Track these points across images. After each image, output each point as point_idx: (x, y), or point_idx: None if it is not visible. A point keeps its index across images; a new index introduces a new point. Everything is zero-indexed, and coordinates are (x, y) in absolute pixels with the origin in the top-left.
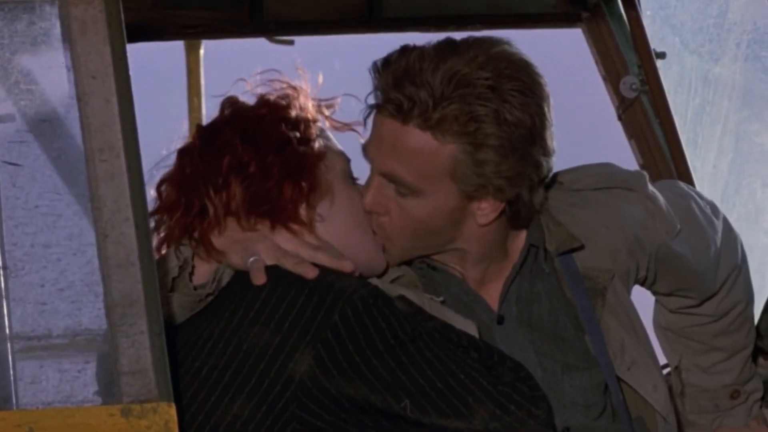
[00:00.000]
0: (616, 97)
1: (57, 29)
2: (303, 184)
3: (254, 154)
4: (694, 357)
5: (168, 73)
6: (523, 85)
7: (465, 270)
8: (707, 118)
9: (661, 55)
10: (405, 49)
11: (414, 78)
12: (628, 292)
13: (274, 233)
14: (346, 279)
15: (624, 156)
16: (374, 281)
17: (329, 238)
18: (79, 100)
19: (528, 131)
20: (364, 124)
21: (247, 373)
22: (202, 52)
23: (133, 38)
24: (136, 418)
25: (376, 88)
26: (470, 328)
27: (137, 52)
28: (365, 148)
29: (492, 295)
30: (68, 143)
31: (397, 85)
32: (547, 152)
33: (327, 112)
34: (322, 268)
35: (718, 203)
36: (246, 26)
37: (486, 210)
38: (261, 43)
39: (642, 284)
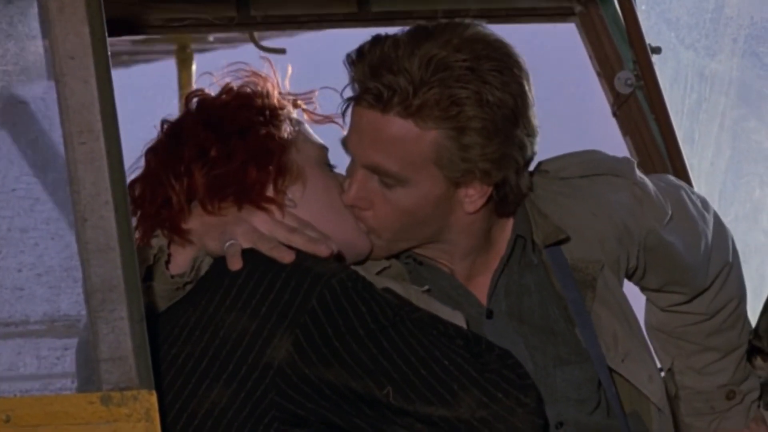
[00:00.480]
0: (611, 93)
1: (34, 9)
2: (269, 168)
3: (216, 140)
4: (688, 358)
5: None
6: (501, 64)
7: (452, 264)
8: (704, 115)
9: (657, 50)
10: (378, 39)
11: (391, 66)
12: (620, 282)
13: (251, 216)
14: (326, 263)
15: (619, 153)
16: (359, 272)
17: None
18: (56, 81)
19: (510, 111)
20: (343, 117)
21: (224, 360)
22: (194, 67)
23: (117, 32)
24: (116, 406)
25: (352, 80)
26: (458, 320)
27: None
28: (345, 142)
29: (480, 290)
30: (46, 125)
31: (374, 74)
32: (530, 132)
33: (304, 105)
34: (301, 253)
35: (715, 202)
36: (232, 20)
37: (473, 197)
38: (253, 55)
39: (631, 278)
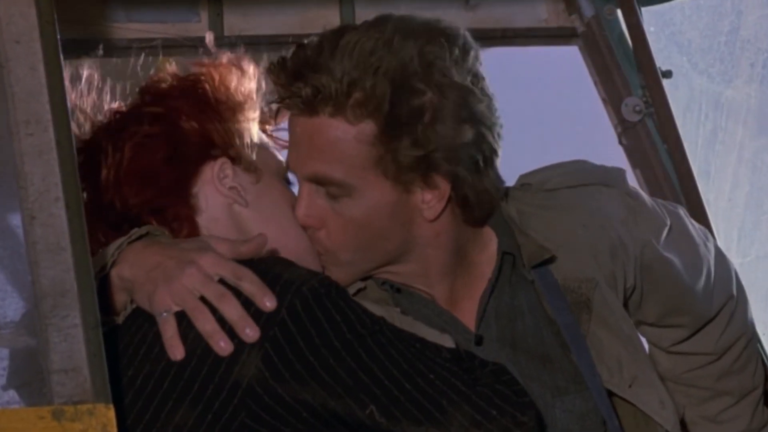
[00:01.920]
0: (618, 120)
1: None
2: (189, 161)
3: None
4: (699, 406)
5: None
6: (435, 46)
7: (431, 288)
8: (720, 147)
9: (667, 74)
10: (300, 45)
11: (313, 65)
12: (620, 300)
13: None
14: (295, 269)
15: None
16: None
17: (256, 229)
18: (1, 67)
19: (454, 95)
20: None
21: (188, 380)
22: None
23: (82, 53)
24: (69, 421)
25: (277, 88)
26: (446, 342)
27: None
28: (287, 162)
29: (467, 315)
30: None
31: (297, 77)
32: (485, 122)
33: (268, 128)
34: (270, 258)
35: (734, 240)
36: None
37: (431, 202)
38: None
39: (628, 306)
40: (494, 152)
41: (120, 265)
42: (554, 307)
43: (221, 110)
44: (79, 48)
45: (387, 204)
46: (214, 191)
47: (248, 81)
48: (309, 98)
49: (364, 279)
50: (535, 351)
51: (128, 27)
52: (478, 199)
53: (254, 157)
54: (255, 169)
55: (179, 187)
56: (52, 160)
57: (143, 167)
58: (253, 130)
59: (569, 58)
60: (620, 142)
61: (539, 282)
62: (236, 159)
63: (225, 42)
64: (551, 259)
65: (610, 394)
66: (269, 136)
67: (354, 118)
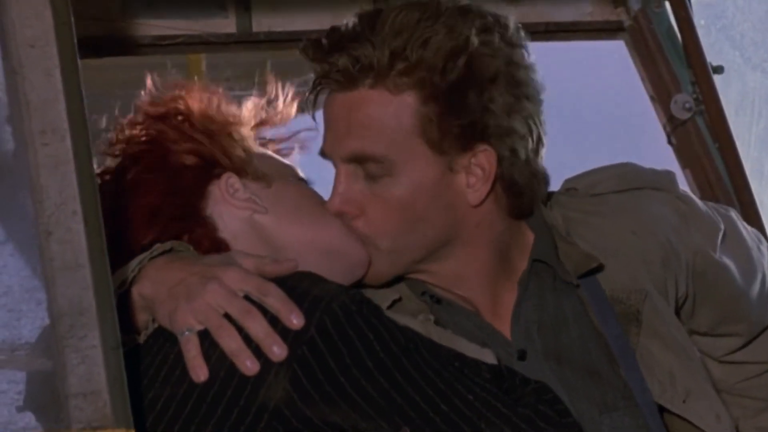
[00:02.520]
0: (665, 117)
1: None
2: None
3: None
4: (754, 418)
5: None
6: (482, 21)
7: (472, 295)
8: None
9: (719, 70)
10: (334, 27)
11: (352, 37)
12: (672, 309)
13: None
14: (325, 284)
15: None
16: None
17: (283, 238)
18: (14, 73)
19: (497, 67)
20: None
21: (211, 403)
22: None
23: (100, 53)
24: None
25: (315, 69)
26: (488, 358)
27: None
28: (322, 149)
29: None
30: (3, 124)
31: (335, 49)
32: (529, 100)
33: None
34: (297, 273)
35: None
36: (230, 38)
37: (475, 185)
38: None
39: (680, 315)
40: (540, 140)
41: (141, 282)
42: (601, 318)
43: (210, 127)
44: (98, 47)
45: (430, 182)
46: (229, 208)
47: (229, 104)
48: (347, 69)
49: (400, 280)
50: (581, 364)
51: (151, 24)
52: (524, 186)
53: (258, 164)
54: (263, 176)
55: (188, 214)
56: (70, 171)
57: (144, 206)
58: (249, 141)
59: (615, 53)
60: (669, 142)
61: (585, 292)
62: (241, 171)
63: (253, 38)
64: (599, 269)
65: (662, 409)
66: (269, 142)
67: (396, 89)
